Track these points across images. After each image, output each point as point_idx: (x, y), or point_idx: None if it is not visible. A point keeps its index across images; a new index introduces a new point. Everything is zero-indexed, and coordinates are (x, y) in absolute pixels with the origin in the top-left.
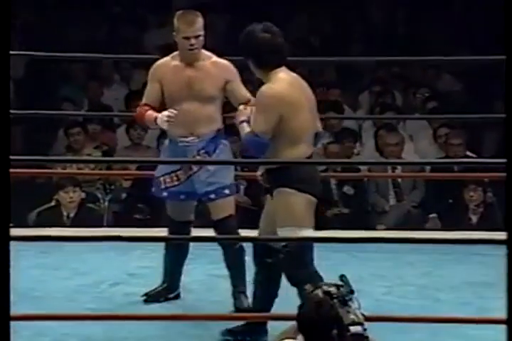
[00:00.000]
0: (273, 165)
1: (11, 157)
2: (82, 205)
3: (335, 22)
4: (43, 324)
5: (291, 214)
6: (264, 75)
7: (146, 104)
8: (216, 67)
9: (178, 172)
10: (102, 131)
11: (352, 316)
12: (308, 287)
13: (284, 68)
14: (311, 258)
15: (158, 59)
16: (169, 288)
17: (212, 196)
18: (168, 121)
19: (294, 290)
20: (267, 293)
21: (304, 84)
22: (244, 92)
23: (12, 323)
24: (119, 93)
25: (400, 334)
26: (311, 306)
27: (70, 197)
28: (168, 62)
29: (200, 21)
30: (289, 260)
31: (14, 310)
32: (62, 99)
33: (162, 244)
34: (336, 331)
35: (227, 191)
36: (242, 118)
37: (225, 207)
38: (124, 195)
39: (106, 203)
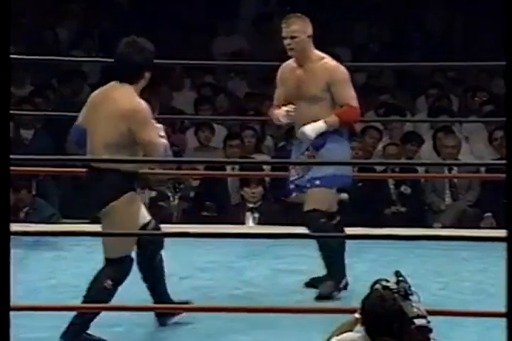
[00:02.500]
0: None
1: (11, 156)
2: (153, 203)
3: (393, 30)
4: (116, 314)
5: None
6: None
7: (276, 105)
8: (322, 69)
9: (297, 167)
10: (172, 132)
11: (415, 309)
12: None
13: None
14: None
15: (224, 65)
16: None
17: (308, 185)
18: (286, 115)
19: None
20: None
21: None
22: (343, 95)
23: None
24: (189, 97)
25: (456, 328)
26: (374, 300)
27: None
28: (289, 63)
29: (298, 23)
30: None
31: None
32: None
33: (228, 240)
34: (396, 324)
35: (317, 182)
36: None
37: (311, 200)
38: (192, 194)
39: (175, 201)
